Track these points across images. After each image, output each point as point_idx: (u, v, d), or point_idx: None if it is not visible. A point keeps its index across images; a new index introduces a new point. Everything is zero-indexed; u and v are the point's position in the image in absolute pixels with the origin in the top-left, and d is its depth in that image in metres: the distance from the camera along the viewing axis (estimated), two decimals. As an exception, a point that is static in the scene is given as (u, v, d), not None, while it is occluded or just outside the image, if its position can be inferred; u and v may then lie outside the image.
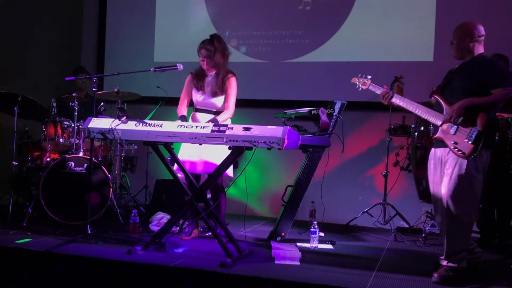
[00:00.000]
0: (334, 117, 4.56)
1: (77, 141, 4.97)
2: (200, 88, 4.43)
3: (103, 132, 3.94)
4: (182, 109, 4.48)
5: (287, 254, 3.99)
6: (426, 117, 3.60)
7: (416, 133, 4.67)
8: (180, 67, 4.37)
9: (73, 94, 5.06)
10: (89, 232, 4.25)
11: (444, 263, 3.48)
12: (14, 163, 5.01)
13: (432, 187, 3.66)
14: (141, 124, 3.88)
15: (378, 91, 3.79)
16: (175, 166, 4.21)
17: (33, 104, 5.08)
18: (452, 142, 3.43)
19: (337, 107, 4.59)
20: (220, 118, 4.25)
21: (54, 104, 5.11)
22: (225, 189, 4.42)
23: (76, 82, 5.60)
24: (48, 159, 4.96)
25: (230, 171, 4.36)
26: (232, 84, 4.40)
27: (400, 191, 5.49)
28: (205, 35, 4.48)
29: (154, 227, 4.77)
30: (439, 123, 3.51)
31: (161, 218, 4.92)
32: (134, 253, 3.81)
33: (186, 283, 3.46)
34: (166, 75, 4.70)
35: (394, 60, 5.78)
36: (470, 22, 3.61)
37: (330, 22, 6.09)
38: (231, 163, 3.98)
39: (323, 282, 3.31)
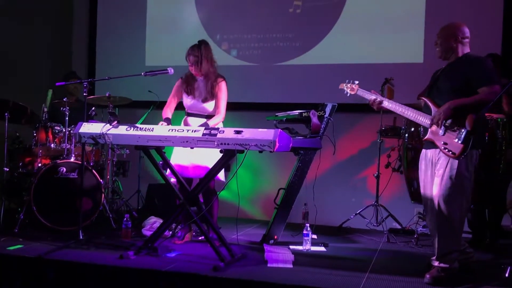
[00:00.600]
0: (325, 119, 4.57)
1: (68, 146, 4.96)
2: (190, 92, 4.43)
3: (94, 137, 3.93)
4: (168, 111, 4.48)
5: (280, 257, 3.99)
6: (415, 119, 3.62)
7: (406, 135, 4.69)
8: (171, 71, 4.37)
9: (64, 99, 5.05)
10: (81, 237, 4.24)
11: (436, 263, 3.49)
12: (5, 169, 5.00)
13: (423, 188, 3.68)
14: (132, 128, 3.87)
15: (367, 96, 3.81)
16: (168, 171, 4.21)
17: (23, 109, 5.06)
18: (442, 143, 3.45)
19: (328, 109, 4.61)
20: (211, 123, 4.25)
21: (45, 109, 5.10)
22: (217, 193, 4.42)
23: (67, 87, 5.59)
24: (40, 165, 4.94)
25: (221, 175, 4.36)
26: (222, 88, 4.40)
27: (392, 193, 5.51)
28: (196, 39, 4.49)
29: (147, 232, 4.75)
30: (428, 124, 3.53)
31: (153, 222, 4.90)
32: (127, 258, 3.80)
33: (179, 287, 3.45)
34: (157, 79, 4.70)
35: (384, 62, 5.80)
36: (454, 24, 3.63)
37: (321, 25, 6.10)
38: (223, 166, 3.98)
39: (316, 285, 3.32)
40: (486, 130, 4.00)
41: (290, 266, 3.82)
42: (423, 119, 3.57)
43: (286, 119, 4.52)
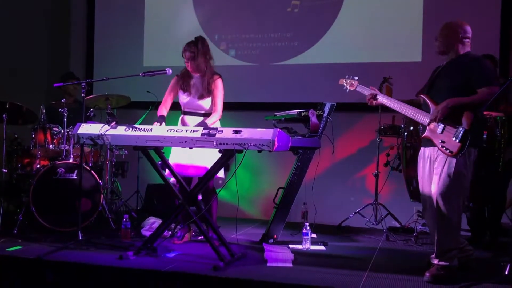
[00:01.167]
0: (324, 119, 4.57)
1: (67, 147, 4.96)
2: (186, 89, 4.42)
3: (92, 138, 3.93)
4: (163, 109, 4.46)
5: (280, 256, 3.99)
6: (413, 117, 3.63)
7: (405, 133, 4.69)
8: (169, 71, 4.36)
9: (62, 100, 5.04)
10: (80, 238, 4.24)
11: (436, 261, 3.50)
12: (4, 170, 4.98)
13: (422, 186, 3.68)
14: (130, 129, 3.87)
15: (366, 92, 3.82)
16: (167, 171, 4.20)
17: (22, 110, 5.05)
18: (440, 141, 3.45)
19: (326, 108, 4.61)
20: (209, 121, 4.24)
21: (43, 111, 5.09)
22: (217, 192, 4.42)
23: (65, 88, 5.58)
24: (38, 166, 4.93)
25: (221, 173, 4.36)
26: (218, 86, 4.39)
27: (391, 191, 5.52)
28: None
29: (146, 232, 4.75)
30: (427, 122, 3.53)
31: (152, 222, 4.91)
32: (126, 259, 3.80)
33: (179, 287, 3.45)
34: (155, 80, 4.70)
35: (382, 61, 5.81)
36: (457, 22, 3.63)
37: (319, 25, 6.11)
38: (222, 166, 3.98)
39: (315, 284, 3.32)
40: (485, 128, 4.01)
41: (290, 265, 3.82)
42: (421, 117, 3.57)
43: (285, 118, 4.51)
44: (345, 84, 3.94)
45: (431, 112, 3.52)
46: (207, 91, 4.36)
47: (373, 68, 5.69)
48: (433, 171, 3.54)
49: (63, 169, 4.78)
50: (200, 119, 4.32)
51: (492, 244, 4.59)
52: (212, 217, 4.35)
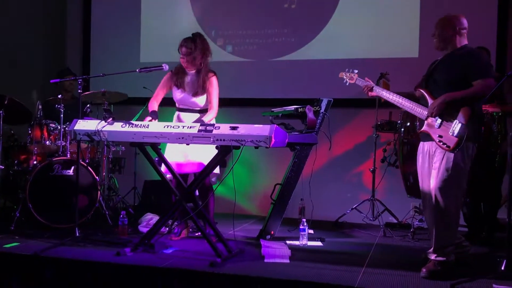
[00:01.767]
0: (321, 115, 4.57)
1: (63, 144, 4.95)
2: (180, 86, 4.40)
3: (89, 134, 3.91)
4: (154, 104, 4.43)
5: (277, 252, 4.00)
6: (411, 111, 3.63)
7: (402, 129, 4.69)
8: (166, 67, 4.36)
9: (59, 96, 5.03)
10: (77, 234, 4.24)
11: (433, 257, 3.50)
12: (1, 166, 4.97)
13: (421, 181, 3.69)
14: (127, 125, 3.86)
15: (364, 84, 3.83)
16: (163, 167, 4.20)
17: (18, 106, 5.04)
18: (437, 135, 3.46)
19: (323, 104, 4.60)
20: (206, 119, 4.23)
21: (40, 107, 5.08)
22: (214, 188, 4.42)
23: (62, 84, 5.56)
24: (35, 162, 4.93)
25: (216, 169, 4.35)
26: (214, 83, 4.38)
27: (388, 187, 5.53)
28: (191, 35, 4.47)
29: (143, 228, 4.75)
30: (424, 116, 3.54)
31: (150, 219, 4.90)
32: (123, 255, 3.80)
33: (176, 283, 3.45)
34: (152, 76, 4.68)
35: (379, 57, 5.80)
36: (452, 15, 3.63)
37: (316, 20, 6.10)
38: (219, 162, 3.98)
39: (312, 280, 3.32)
40: (482, 123, 4.01)
41: (287, 261, 3.82)
42: (420, 111, 3.58)
43: (282, 114, 4.52)
44: (345, 77, 3.95)
45: (428, 107, 3.52)
46: (202, 89, 4.34)
47: (370, 64, 5.68)
48: (431, 165, 3.54)
49: (60, 166, 4.78)
50: (195, 115, 4.31)
51: (488, 239, 4.60)
52: (209, 213, 4.35)
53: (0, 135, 4.93)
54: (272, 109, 4.60)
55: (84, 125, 3.97)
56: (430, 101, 3.53)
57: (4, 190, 5.16)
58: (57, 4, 7.04)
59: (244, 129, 3.58)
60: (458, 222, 3.59)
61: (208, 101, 4.37)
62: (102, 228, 4.73)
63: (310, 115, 4.39)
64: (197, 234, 4.59)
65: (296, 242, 4.39)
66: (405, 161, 4.70)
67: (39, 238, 4.31)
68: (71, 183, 4.70)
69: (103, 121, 3.92)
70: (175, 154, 4.34)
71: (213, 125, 3.69)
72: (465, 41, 3.59)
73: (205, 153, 4.19)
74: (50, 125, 5.03)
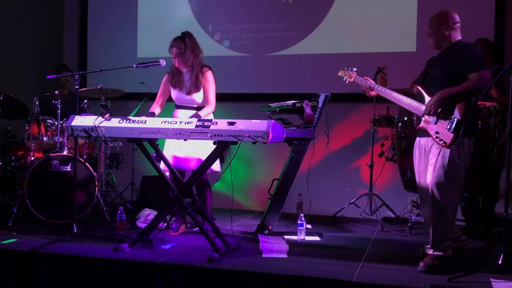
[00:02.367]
0: (318, 110, 4.57)
1: (61, 139, 4.94)
2: (176, 85, 4.40)
3: (86, 130, 3.91)
4: (155, 107, 4.44)
5: (275, 247, 4.01)
6: (409, 107, 3.63)
7: (400, 124, 4.70)
8: (163, 62, 4.34)
9: (56, 92, 5.02)
10: (75, 230, 4.23)
11: (430, 252, 3.51)
12: (-2, 163, 4.97)
13: (418, 177, 3.70)
14: (124, 121, 3.86)
15: (364, 84, 3.83)
16: (162, 163, 4.19)
17: (15, 102, 5.03)
18: (434, 131, 3.46)
19: (321, 99, 4.60)
20: (202, 113, 4.23)
21: (37, 103, 5.07)
22: (211, 184, 4.42)
23: (59, 80, 5.55)
24: (32, 158, 4.92)
25: (216, 166, 4.36)
26: (209, 78, 4.37)
27: (385, 182, 5.53)
28: (188, 29, 4.46)
29: (141, 224, 4.75)
30: (421, 113, 3.54)
31: (148, 214, 4.91)
32: (121, 251, 3.80)
33: (174, 279, 3.46)
34: (149, 71, 4.68)
35: (377, 51, 5.80)
36: (444, 11, 3.63)
37: (313, 15, 6.09)
38: (216, 158, 3.97)
39: (310, 274, 3.33)
40: (479, 118, 4.02)
41: (285, 256, 3.83)
42: (417, 106, 3.58)
43: (280, 109, 4.50)
44: (344, 76, 3.95)
45: (425, 104, 3.53)
46: (195, 87, 4.33)
47: (368, 58, 5.68)
48: (428, 161, 3.55)
49: (57, 162, 4.77)
50: (193, 112, 4.31)
51: (486, 233, 4.62)
52: (207, 208, 4.35)
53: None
54: (270, 104, 4.59)
55: (81, 121, 3.96)
56: (426, 97, 3.54)
57: (2, 186, 5.15)
58: (54, 2, 7.00)
59: (242, 124, 3.57)
60: (455, 217, 3.60)
61: (205, 96, 4.36)
62: (100, 224, 4.73)
63: (308, 110, 4.38)
64: (195, 229, 4.59)
65: (294, 237, 4.40)
66: (402, 156, 4.71)
67: (37, 234, 4.31)
68: (69, 179, 4.70)
69: (101, 117, 3.91)
70: (173, 148, 4.33)
71: (210, 120, 3.68)
72: (459, 36, 3.59)
73: (203, 149, 4.19)
74: (48, 121, 5.02)
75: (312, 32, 6.09)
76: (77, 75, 4.46)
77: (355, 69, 3.92)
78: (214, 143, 3.71)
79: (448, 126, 3.39)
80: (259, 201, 5.95)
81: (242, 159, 5.86)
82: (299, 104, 4.40)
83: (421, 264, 3.48)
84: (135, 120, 3.82)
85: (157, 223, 4.09)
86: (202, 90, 4.37)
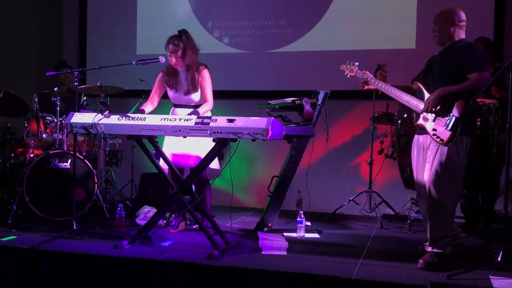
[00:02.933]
0: (318, 107, 4.56)
1: (60, 137, 4.94)
2: (172, 85, 4.37)
3: (86, 127, 3.91)
4: (148, 104, 4.41)
5: (274, 245, 4.01)
6: (408, 104, 3.63)
7: (399, 121, 4.70)
8: (162, 59, 4.34)
9: (55, 89, 5.01)
10: (75, 227, 4.24)
11: (429, 249, 3.52)
12: (-3, 160, 4.97)
13: (416, 174, 3.70)
14: (124, 118, 3.85)
15: (361, 77, 3.84)
16: (161, 161, 4.19)
17: (15, 99, 5.02)
18: (432, 129, 3.46)
19: (320, 96, 4.60)
20: (200, 111, 4.22)
21: (36, 100, 5.06)
22: (210, 182, 4.42)
23: (58, 77, 5.54)
24: (32, 155, 4.91)
25: (215, 164, 4.35)
26: (205, 76, 4.35)
27: (385, 179, 5.53)
28: (188, 26, 4.45)
29: (141, 221, 4.75)
30: (420, 110, 3.54)
31: (147, 212, 4.90)
32: (121, 248, 3.80)
33: (174, 276, 3.46)
34: (148, 68, 4.67)
35: (376, 48, 5.79)
36: (450, 8, 3.62)
37: (313, 12, 6.08)
38: (216, 155, 3.97)
39: (310, 271, 3.33)
40: (478, 115, 4.02)
41: (285, 253, 3.83)
42: (415, 104, 3.58)
43: (279, 107, 4.51)
44: (346, 70, 3.95)
45: (424, 101, 3.52)
46: (193, 87, 4.31)
47: (368, 55, 5.66)
48: (426, 158, 3.55)
49: (56, 159, 4.76)
50: (191, 110, 4.29)
51: (485, 231, 4.63)
52: (206, 206, 4.35)
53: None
54: (269, 101, 4.59)
55: (80, 118, 3.96)
56: (426, 94, 3.53)
57: (1, 184, 5.15)
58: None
59: (241, 121, 3.57)
60: (454, 215, 3.60)
61: (202, 95, 4.35)
62: (99, 221, 4.73)
63: (307, 107, 4.38)
64: (194, 226, 4.59)
65: (294, 234, 4.40)
66: (402, 153, 4.70)
67: (36, 231, 4.31)
68: (68, 176, 4.70)
69: (100, 114, 3.90)
70: (172, 145, 4.33)
71: (210, 117, 3.68)
72: (462, 34, 3.58)
73: (202, 146, 4.18)
74: (47, 118, 5.01)
75: (312, 29, 6.08)
76: (76, 72, 4.45)
77: (357, 63, 3.92)
78: (214, 140, 3.71)
79: (446, 124, 3.39)
80: (258, 198, 5.95)
81: (241, 157, 5.85)
82: (298, 101, 4.40)
83: (420, 261, 3.48)
84: (135, 117, 3.82)
85: (156, 220, 4.09)
86: (199, 89, 4.35)
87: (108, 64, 4.69)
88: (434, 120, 3.45)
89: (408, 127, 4.58)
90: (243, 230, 4.67)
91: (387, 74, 5.12)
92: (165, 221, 4.59)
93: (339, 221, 5.21)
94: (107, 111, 3.91)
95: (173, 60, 4.30)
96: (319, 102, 4.57)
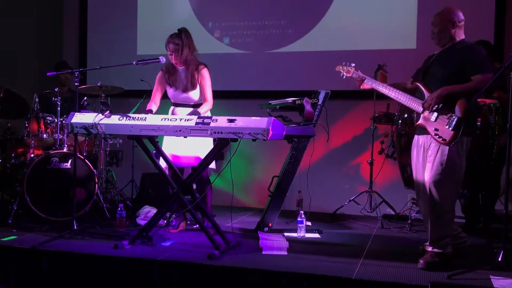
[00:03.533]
0: (318, 107, 4.56)
1: (61, 137, 4.94)
2: (172, 83, 4.39)
3: (86, 127, 3.90)
4: (152, 104, 4.43)
5: (275, 244, 4.01)
6: (408, 104, 3.63)
7: (400, 121, 4.70)
8: (163, 59, 4.34)
9: (55, 89, 5.01)
10: (75, 227, 4.24)
11: (430, 249, 3.52)
12: (-2, 160, 4.97)
13: (415, 174, 3.69)
14: (124, 118, 3.85)
15: (355, 76, 3.84)
16: (162, 162, 4.19)
17: (15, 98, 5.02)
18: (433, 129, 3.46)
19: (321, 96, 4.60)
20: (201, 111, 4.23)
21: (37, 100, 5.06)
22: (211, 181, 4.42)
23: (59, 77, 5.55)
24: (32, 155, 4.91)
25: (211, 164, 4.34)
26: (205, 76, 4.36)
27: (385, 179, 5.53)
28: (188, 26, 4.44)
29: (141, 221, 4.76)
30: (421, 110, 3.53)
31: (148, 211, 4.90)
32: (121, 248, 3.80)
33: (174, 276, 3.46)
34: (149, 68, 4.67)
35: (377, 48, 5.79)
36: (448, 9, 3.62)
37: (313, 12, 6.08)
38: (216, 155, 3.97)
39: (310, 271, 3.33)
40: (479, 115, 4.02)
41: (285, 253, 3.83)
42: (415, 105, 3.58)
43: (280, 107, 4.51)
44: (342, 71, 3.94)
45: (425, 99, 3.52)
46: (191, 84, 4.32)
47: (368, 56, 5.67)
48: (426, 158, 3.55)
49: (57, 159, 4.77)
50: (190, 110, 4.30)
51: (485, 230, 4.62)
52: (207, 206, 4.35)
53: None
54: (270, 102, 4.59)
55: (81, 118, 3.96)
56: (426, 94, 3.53)
57: (1, 184, 5.15)
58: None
59: (242, 121, 3.57)
60: (454, 215, 3.60)
61: (202, 94, 4.35)
62: (100, 221, 4.73)
63: (308, 107, 4.38)
64: (195, 226, 4.59)
65: (294, 234, 4.40)
66: (402, 153, 4.71)
67: (37, 231, 4.32)
68: (69, 176, 4.70)
69: (100, 114, 3.91)
70: (172, 146, 4.33)
71: (210, 117, 3.68)
72: (462, 35, 3.58)
73: (202, 147, 4.19)
74: (47, 118, 5.01)
75: (312, 29, 6.08)
76: (77, 72, 4.45)
77: (353, 64, 3.92)
78: (214, 140, 3.71)
79: (448, 124, 3.39)
80: (259, 198, 5.95)
81: (242, 156, 5.86)
82: (299, 101, 4.41)
83: (421, 261, 3.48)
84: (135, 117, 3.82)
85: (157, 220, 4.09)
86: (198, 87, 4.35)
87: (108, 64, 4.70)
88: (435, 120, 3.45)
89: (408, 127, 4.58)
90: (244, 230, 4.67)
91: (388, 74, 5.12)
92: (165, 221, 4.59)
93: (340, 221, 5.21)
94: (108, 111, 3.91)
95: (172, 58, 4.30)
96: (320, 102, 4.57)
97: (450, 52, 3.55)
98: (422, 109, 3.52)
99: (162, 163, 4.21)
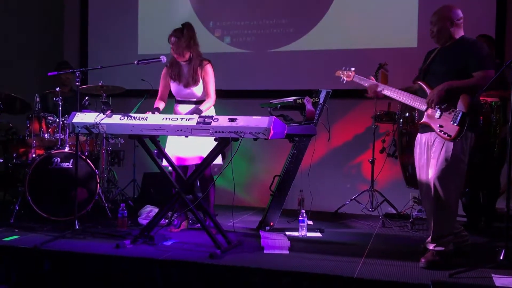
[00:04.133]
0: (320, 106, 4.57)
1: (62, 137, 4.94)
2: (175, 78, 4.39)
3: (87, 127, 3.91)
4: (159, 102, 4.45)
5: (276, 244, 4.01)
6: (411, 104, 3.63)
7: (401, 120, 4.69)
8: (164, 59, 4.34)
9: (56, 89, 5.02)
10: (77, 227, 4.24)
11: (431, 247, 3.51)
12: (-1, 160, 4.98)
13: (418, 172, 3.69)
14: (126, 117, 3.85)
15: (365, 83, 3.82)
16: (163, 160, 4.19)
17: (16, 100, 5.03)
18: (438, 125, 3.45)
19: (322, 95, 4.60)
20: (203, 108, 4.23)
21: (38, 100, 5.07)
22: (214, 179, 4.42)
23: (60, 77, 5.55)
24: (34, 155, 4.92)
25: (218, 159, 4.34)
26: (208, 71, 4.35)
27: (387, 178, 5.53)
28: (189, 26, 4.45)
29: (143, 221, 4.76)
30: (424, 108, 3.53)
31: (149, 211, 4.91)
32: (123, 247, 3.80)
33: (176, 275, 3.46)
34: (150, 68, 4.68)
35: (378, 47, 5.79)
36: (447, 6, 3.61)
37: (314, 11, 6.08)
38: (218, 154, 3.98)
39: (312, 270, 3.33)
40: (481, 113, 4.01)
41: (287, 252, 3.83)
42: (419, 104, 3.58)
43: (281, 106, 4.51)
44: (342, 76, 3.94)
45: (429, 93, 3.51)
46: (193, 79, 4.32)
47: (369, 54, 5.67)
48: (430, 156, 3.54)
49: (58, 159, 4.77)
50: (192, 107, 4.30)
51: (487, 229, 4.62)
52: (209, 205, 4.35)
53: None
54: (271, 101, 4.59)
55: (82, 117, 3.96)
56: (428, 92, 3.52)
57: (3, 184, 5.15)
58: (54, -1, 7.02)
59: (243, 121, 3.57)
60: (457, 212, 3.60)
61: (205, 90, 4.35)
62: (101, 221, 4.73)
63: (309, 106, 4.38)
64: (196, 225, 4.59)
65: (296, 233, 4.40)
66: (404, 152, 4.70)
67: (38, 231, 4.32)
68: (70, 176, 4.70)
69: (102, 114, 3.91)
70: (175, 147, 4.33)
71: (211, 117, 3.68)
72: (461, 32, 3.58)
73: (204, 146, 4.19)
74: (49, 118, 5.01)
75: (313, 28, 6.08)
76: (78, 72, 4.45)
77: (353, 68, 3.91)
78: (216, 139, 3.71)
79: (453, 119, 3.38)
80: (260, 197, 5.95)
81: (243, 156, 5.85)
82: (300, 100, 4.41)
83: (422, 260, 3.48)
84: (137, 117, 3.82)
85: (158, 219, 4.09)
86: (201, 83, 4.35)
87: (109, 64, 4.70)
88: (440, 117, 3.44)
89: (410, 125, 4.57)
90: (245, 229, 4.67)
91: (389, 73, 5.12)
92: (167, 221, 4.59)
93: (341, 220, 5.21)
94: (109, 111, 3.92)
95: (174, 51, 4.31)
96: (321, 101, 4.57)
97: (452, 50, 3.55)
98: (426, 106, 3.52)
99: (164, 162, 4.21)
